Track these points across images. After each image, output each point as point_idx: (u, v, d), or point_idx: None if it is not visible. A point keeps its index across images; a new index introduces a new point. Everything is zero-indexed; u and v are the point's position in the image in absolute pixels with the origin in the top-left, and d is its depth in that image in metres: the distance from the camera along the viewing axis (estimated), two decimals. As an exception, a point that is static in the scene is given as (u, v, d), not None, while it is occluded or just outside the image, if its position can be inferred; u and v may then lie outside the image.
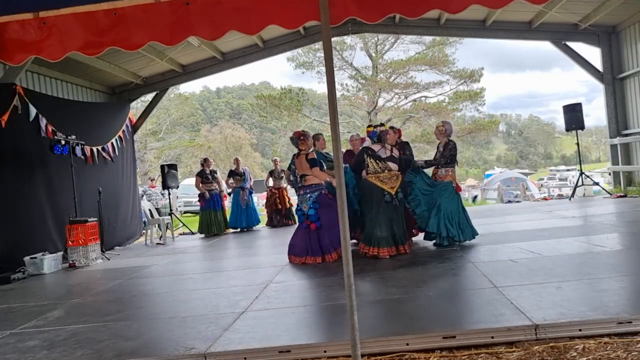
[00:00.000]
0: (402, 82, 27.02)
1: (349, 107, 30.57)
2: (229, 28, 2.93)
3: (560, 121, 17.03)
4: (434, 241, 6.42)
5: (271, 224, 11.34)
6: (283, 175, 10.98)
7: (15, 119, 7.36)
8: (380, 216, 5.88)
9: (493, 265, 4.94)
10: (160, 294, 5.28)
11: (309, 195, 6.18)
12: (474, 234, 6.38)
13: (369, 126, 6.47)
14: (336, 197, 5.50)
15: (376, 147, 6.11)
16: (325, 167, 6.76)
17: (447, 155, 6.44)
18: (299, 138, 6.38)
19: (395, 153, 6.17)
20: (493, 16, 11.14)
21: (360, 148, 6.65)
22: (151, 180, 16.80)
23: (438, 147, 6.70)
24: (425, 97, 27.74)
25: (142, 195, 13.42)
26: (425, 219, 6.37)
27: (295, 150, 6.51)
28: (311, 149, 6.45)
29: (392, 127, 7.49)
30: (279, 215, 11.34)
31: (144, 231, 11.05)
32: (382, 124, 6.48)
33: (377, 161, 6.02)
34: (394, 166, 6.06)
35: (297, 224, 6.65)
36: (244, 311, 4.08)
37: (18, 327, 4.23)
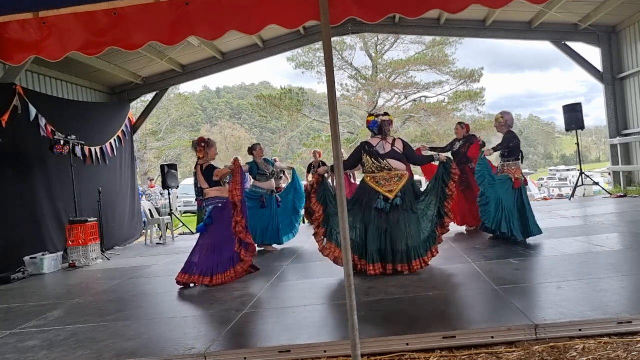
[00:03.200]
0: (402, 82, 27.04)
1: (349, 107, 30.56)
2: (229, 28, 2.94)
3: (560, 121, 17.07)
4: (490, 235, 6.42)
5: None
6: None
7: (15, 119, 7.36)
8: (370, 226, 4.95)
9: (493, 265, 4.95)
10: (160, 294, 5.28)
11: (204, 210, 5.65)
12: (530, 232, 5.96)
13: (370, 115, 5.40)
14: (230, 211, 5.32)
15: (374, 141, 5.14)
16: (272, 172, 6.57)
17: (503, 148, 6.18)
18: (199, 144, 5.48)
19: (399, 147, 5.09)
20: (493, 16, 11.14)
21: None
22: (150, 180, 16.80)
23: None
24: (425, 97, 27.78)
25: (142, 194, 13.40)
26: (489, 214, 6.08)
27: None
28: (212, 161, 5.61)
29: (460, 123, 7.15)
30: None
31: (144, 231, 11.06)
32: (386, 113, 5.29)
33: (374, 159, 5.06)
34: (396, 164, 5.05)
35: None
36: (244, 311, 4.08)
37: (18, 327, 4.23)
